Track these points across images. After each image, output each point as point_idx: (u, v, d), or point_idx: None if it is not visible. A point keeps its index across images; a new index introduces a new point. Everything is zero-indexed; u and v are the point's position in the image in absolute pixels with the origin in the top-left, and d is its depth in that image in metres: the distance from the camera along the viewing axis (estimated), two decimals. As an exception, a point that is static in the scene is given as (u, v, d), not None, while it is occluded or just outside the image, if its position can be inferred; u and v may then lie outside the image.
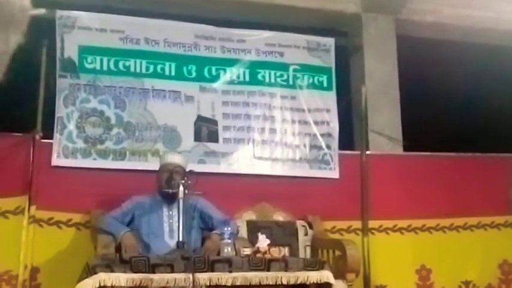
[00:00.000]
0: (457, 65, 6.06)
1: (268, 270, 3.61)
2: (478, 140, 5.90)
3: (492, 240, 5.45)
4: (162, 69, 5.15)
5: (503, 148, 5.55)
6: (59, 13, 4.97)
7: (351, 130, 5.90)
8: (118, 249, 4.04)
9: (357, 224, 5.07)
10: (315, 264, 3.77)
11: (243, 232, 4.72)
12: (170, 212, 4.23)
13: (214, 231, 4.24)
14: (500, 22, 6.21)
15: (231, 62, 5.32)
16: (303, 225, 4.98)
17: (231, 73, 5.30)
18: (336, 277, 3.88)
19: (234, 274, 3.54)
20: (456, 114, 6.48)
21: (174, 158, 4.43)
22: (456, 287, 5.30)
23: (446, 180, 5.44)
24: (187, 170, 4.29)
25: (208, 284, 3.51)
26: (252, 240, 4.37)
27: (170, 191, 4.13)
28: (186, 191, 3.92)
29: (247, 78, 5.35)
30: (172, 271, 3.46)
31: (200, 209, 4.33)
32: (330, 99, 5.50)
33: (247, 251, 3.81)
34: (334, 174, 5.35)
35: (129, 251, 3.95)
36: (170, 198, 4.19)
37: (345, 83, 5.90)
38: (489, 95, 6.27)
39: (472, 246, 5.41)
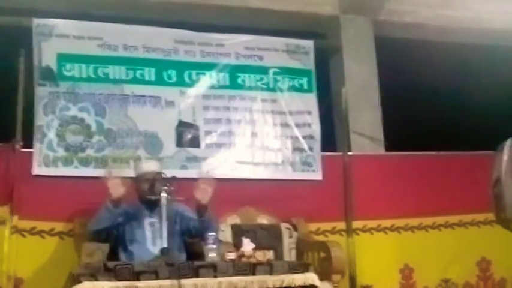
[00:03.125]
0: (436, 64, 6.09)
1: (254, 274, 3.60)
2: (458, 138, 5.93)
3: (472, 238, 5.50)
4: (142, 74, 5.13)
5: (483, 145, 5.58)
6: (36, 21, 4.94)
7: (333, 132, 5.91)
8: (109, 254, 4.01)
9: (341, 225, 5.09)
10: (299, 266, 3.77)
11: (228, 236, 4.71)
12: (152, 219, 4.21)
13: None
14: (478, 21, 6.26)
15: (211, 66, 5.32)
16: (288, 228, 4.98)
17: (211, 77, 5.30)
18: (321, 279, 3.88)
19: (220, 279, 3.53)
20: (436, 113, 6.51)
21: (153, 166, 4.40)
22: (437, 285, 5.34)
23: (428, 179, 5.47)
24: (167, 176, 4.26)
25: (193, 289, 3.49)
26: (237, 244, 4.36)
27: (153, 197, 4.11)
28: (169, 197, 3.90)
29: (227, 83, 5.35)
30: (157, 278, 3.43)
31: (181, 213, 4.30)
32: (311, 101, 5.52)
33: (232, 255, 3.79)
34: (317, 176, 5.36)
35: (114, 191, 3.97)
36: (152, 205, 4.16)
37: (325, 85, 5.92)
38: (469, 93, 6.30)
39: (452, 244, 5.45)
